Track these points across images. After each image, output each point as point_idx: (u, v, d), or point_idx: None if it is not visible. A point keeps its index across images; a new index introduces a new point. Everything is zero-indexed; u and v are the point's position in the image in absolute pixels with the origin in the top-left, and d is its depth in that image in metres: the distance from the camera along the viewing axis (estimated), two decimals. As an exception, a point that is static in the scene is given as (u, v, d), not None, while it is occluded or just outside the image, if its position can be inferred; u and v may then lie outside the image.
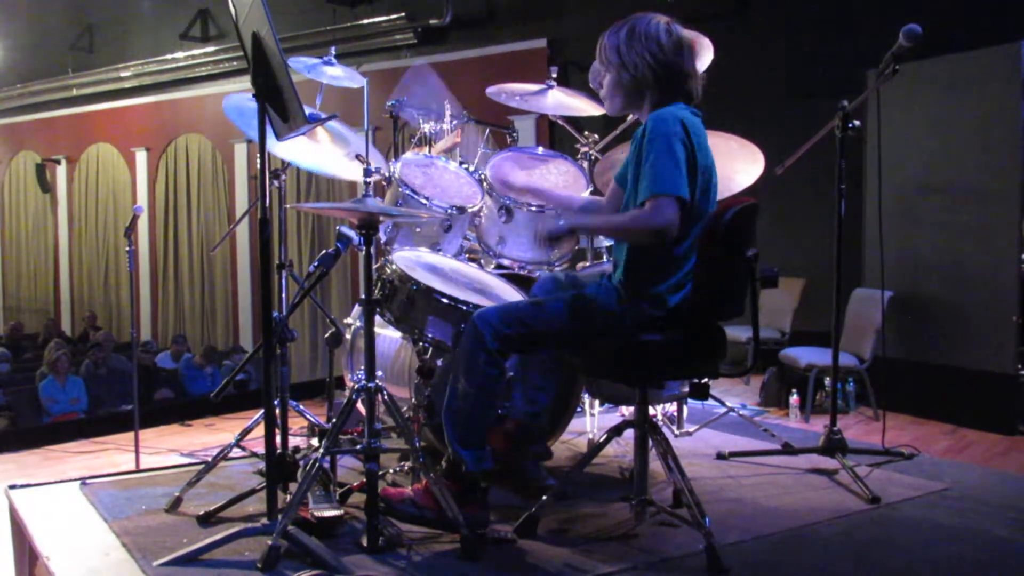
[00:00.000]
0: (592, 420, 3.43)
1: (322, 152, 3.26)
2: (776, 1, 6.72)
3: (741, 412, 3.92)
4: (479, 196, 3.20)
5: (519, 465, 2.65)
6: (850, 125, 3.16)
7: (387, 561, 2.30)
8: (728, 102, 5.93)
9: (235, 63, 10.05)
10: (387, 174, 3.13)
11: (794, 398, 5.16)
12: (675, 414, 3.75)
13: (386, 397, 2.46)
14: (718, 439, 3.68)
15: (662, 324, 2.34)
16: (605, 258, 3.41)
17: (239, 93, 3.11)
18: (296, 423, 3.61)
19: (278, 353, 2.71)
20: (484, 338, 2.30)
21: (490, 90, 3.75)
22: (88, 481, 3.03)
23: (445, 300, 2.60)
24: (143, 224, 11.14)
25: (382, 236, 3.08)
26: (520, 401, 2.69)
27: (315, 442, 3.03)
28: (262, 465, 3.06)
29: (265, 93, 2.29)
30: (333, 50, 3.58)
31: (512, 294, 2.87)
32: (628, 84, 2.40)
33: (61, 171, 12.61)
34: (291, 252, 9.35)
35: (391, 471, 2.96)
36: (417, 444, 2.49)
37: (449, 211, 3.07)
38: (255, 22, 2.24)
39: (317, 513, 2.44)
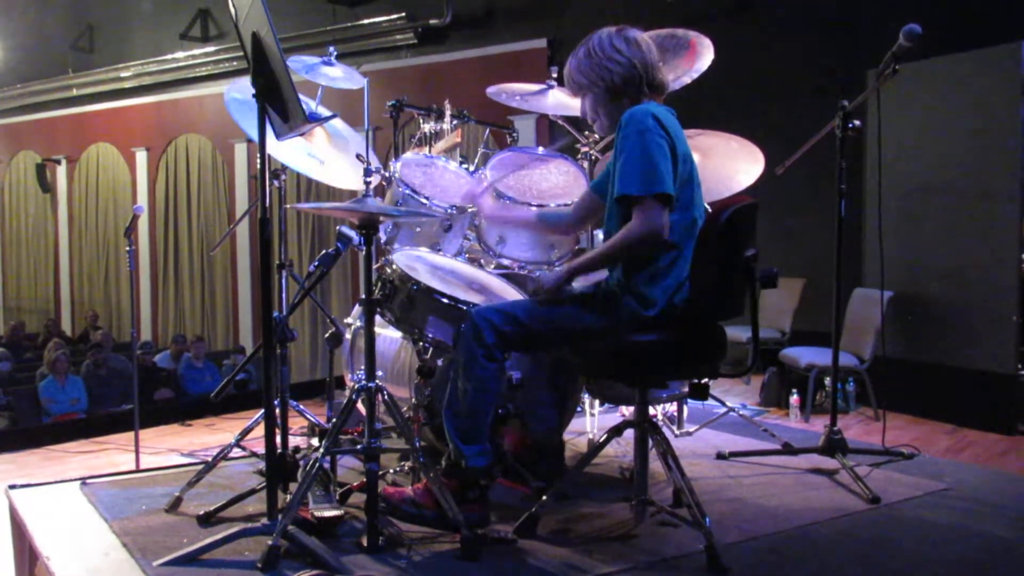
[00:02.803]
0: (592, 420, 3.43)
1: (326, 161, 3.25)
2: (776, 1, 6.72)
3: (741, 412, 3.92)
4: (479, 196, 3.20)
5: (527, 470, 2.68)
6: (850, 125, 3.16)
7: (387, 561, 2.30)
8: (728, 102, 5.96)
9: (235, 63, 10.06)
10: (387, 174, 3.13)
11: (794, 398, 5.16)
12: (675, 414, 3.75)
13: (386, 397, 2.46)
14: (718, 439, 3.68)
15: (660, 324, 2.34)
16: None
17: (240, 83, 3.08)
18: (296, 423, 3.61)
19: (278, 353, 2.71)
20: (482, 335, 2.32)
21: (490, 90, 3.75)
22: (88, 481, 3.03)
23: (445, 300, 2.60)
24: (143, 224, 11.14)
25: (382, 236, 3.08)
26: (532, 422, 2.73)
27: (315, 442, 3.03)
28: (262, 465, 3.06)
29: (265, 93, 2.29)
30: (333, 50, 3.58)
31: (512, 294, 2.88)
32: (604, 97, 2.43)
33: (61, 171, 12.61)
34: (291, 252, 9.35)
35: (391, 471, 2.96)
36: (417, 444, 2.49)
37: (449, 211, 3.07)
38: (255, 22, 2.24)
39: (317, 513, 2.43)
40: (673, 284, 2.34)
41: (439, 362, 2.79)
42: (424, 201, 3.04)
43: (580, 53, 2.44)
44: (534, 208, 2.99)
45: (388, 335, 3.18)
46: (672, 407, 3.74)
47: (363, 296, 2.46)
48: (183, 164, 11.03)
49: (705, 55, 3.38)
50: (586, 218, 2.73)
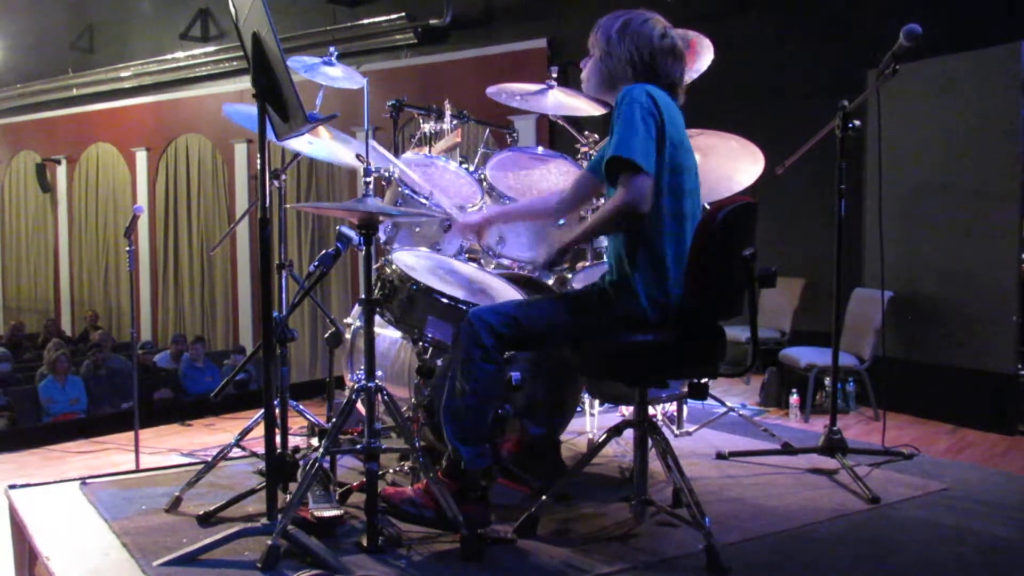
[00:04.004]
0: (592, 420, 3.43)
1: (327, 146, 3.25)
2: (776, 1, 6.72)
3: (741, 412, 3.92)
4: (479, 196, 3.20)
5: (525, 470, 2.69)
6: (850, 125, 3.16)
7: (387, 561, 2.30)
8: (728, 102, 5.95)
9: (235, 63, 10.05)
10: (387, 174, 3.13)
11: (794, 398, 5.16)
12: (675, 414, 3.75)
13: (386, 397, 2.46)
14: (718, 439, 3.67)
15: (660, 324, 2.33)
16: (605, 258, 3.41)
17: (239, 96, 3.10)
18: (296, 423, 3.62)
19: (278, 353, 2.71)
20: (480, 335, 2.31)
21: (490, 90, 3.75)
22: (88, 481, 3.03)
23: (445, 300, 2.60)
24: (143, 224, 11.13)
25: (382, 236, 3.08)
26: (528, 422, 2.75)
27: (315, 442, 3.03)
28: (262, 465, 3.06)
29: (265, 93, 2.29)
30: (333, 50, 3.58)
31: (512, 294, 2.88)
32: (605, 72, 2.44)
33: (61, 171, 12.61)
34: (291, 252, 9.35)
35: (391, 471, 2.96)
36: (417, 444, 2.49)
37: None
38: (255, 22, 2.24)
39: (317, 513, 2.44)
40: (670, 283, 2.33)
41: (439, 362, 2.79)
42: (424, 201, 3.04)
43: (619, 21, 2.41)
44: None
45: (388, 335, 3.18)
46: (672, 407, 3.75)
47: (363, 296, 2.46)
48: (183, 164, 11.03)
49: (705, 55, 3.38)
50: (583, 199, 2.75)
